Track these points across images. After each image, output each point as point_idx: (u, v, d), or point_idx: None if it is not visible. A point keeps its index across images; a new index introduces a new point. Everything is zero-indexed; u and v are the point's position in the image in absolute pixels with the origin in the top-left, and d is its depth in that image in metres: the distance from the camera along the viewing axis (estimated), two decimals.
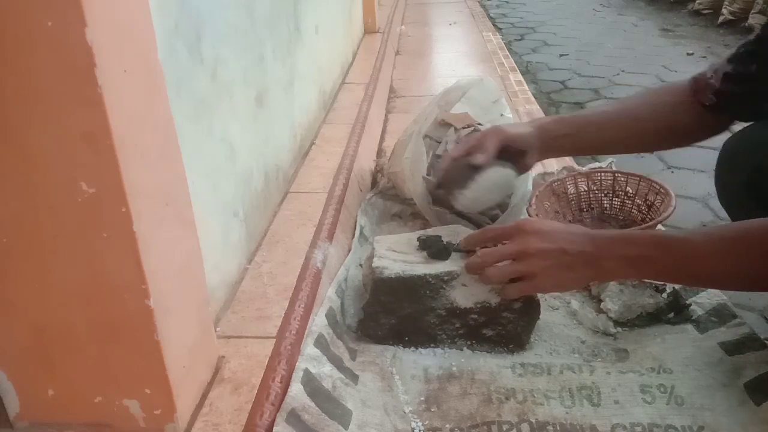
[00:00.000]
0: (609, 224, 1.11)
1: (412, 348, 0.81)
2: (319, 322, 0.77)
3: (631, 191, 1.10)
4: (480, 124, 1.10)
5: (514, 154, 0.90)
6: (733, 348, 0.77)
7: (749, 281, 0.69)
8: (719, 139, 0.86)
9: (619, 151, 1.11)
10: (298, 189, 1.13)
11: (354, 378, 0.73)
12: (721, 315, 0.83)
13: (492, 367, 0.77)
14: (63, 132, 0.47)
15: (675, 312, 0.85)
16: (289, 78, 1.19)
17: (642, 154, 1.65)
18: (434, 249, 0.82)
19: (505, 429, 0.67)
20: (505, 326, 0.79)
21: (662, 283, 0.86)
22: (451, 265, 0.81)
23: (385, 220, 1.15)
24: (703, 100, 0.83)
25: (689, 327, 0.83)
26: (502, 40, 3.04)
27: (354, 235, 1.05)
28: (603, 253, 0.70)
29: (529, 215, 1.03)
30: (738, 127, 0.85)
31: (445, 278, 0.79)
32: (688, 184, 1.56)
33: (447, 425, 0.69)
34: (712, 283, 0.77)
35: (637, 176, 1.07)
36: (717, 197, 0.89)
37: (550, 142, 0.91)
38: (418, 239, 0.85)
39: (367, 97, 1.70)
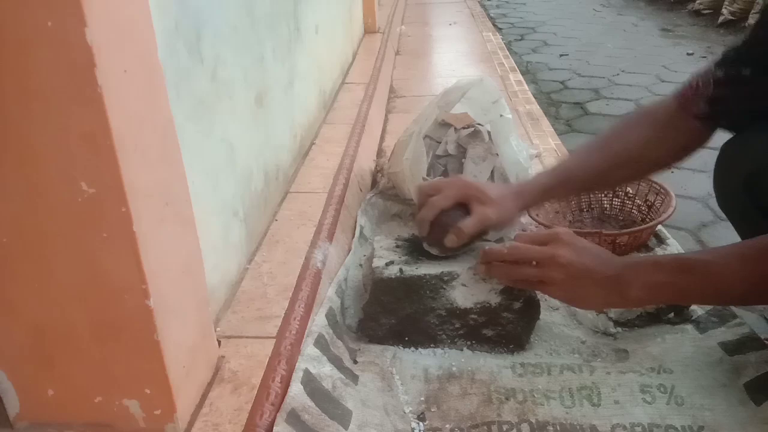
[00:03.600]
0: (609, 224, 1.11)
1: (412, 348, 0.81)
2: (319, 322, 0.77)
3: (631, 191, 1.10)
4: (480, 124, 1.10)
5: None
6: (733, 348, 0.77)
7: None
8: (720, 139, 0.85)
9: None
10: (298, 189, 1.13)
11: (354, 378, 0.73)
12: (721, 315, 0.83)
13: (492, 367, 0.77)
14: (63, 132, 0.47)
15: (675, 312, 0.85)
16: (289, 78, 1.19)
17: None
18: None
19: (505, 429, 0.67)
20: (505, 326, 0.79)
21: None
22: (451, 265, 0.81)
23: (385, 220, 1.15)
24: (695, 111, 0.81)
25: (689, 327, 0.83)
26: (502, 40, 3.04)
27: (354, 235, 1.05)
28: (630, 279, 0.69)
29: (530, 215, 1.03)
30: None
31: (445, 278, 0.79)
32: (688, 184, 1.56)
33: (447, 425, 0.69)
34: (739, 301, 0.77)
35: None
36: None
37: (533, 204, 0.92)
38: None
39: (367, 97, 1.69)
